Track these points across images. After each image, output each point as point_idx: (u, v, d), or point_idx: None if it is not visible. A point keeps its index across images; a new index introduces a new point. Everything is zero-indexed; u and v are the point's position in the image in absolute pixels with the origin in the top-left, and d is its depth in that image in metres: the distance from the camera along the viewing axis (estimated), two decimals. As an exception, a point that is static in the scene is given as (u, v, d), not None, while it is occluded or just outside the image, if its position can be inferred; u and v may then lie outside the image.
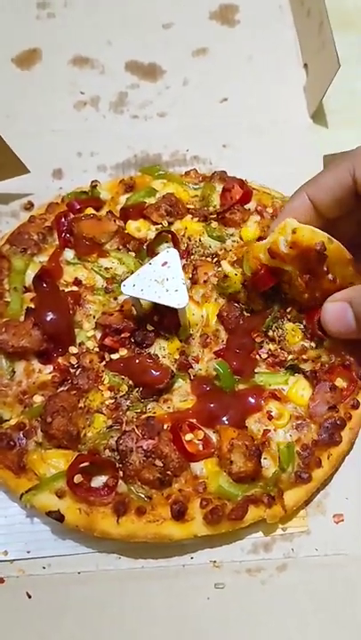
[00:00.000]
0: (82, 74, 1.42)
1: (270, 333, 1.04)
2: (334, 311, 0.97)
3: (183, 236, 1.14)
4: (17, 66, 1.44)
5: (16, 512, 0.97)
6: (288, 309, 1.04)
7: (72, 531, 0.93)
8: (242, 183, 1.18)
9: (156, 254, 1.05)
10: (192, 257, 1.11)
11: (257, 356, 1.04)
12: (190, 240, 1.13)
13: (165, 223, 1.15)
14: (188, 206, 1.18)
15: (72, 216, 1.16)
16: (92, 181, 1.22)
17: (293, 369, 1.02)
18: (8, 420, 0.99)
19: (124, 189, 1.20)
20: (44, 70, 1.43)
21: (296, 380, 1.01)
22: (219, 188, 1.19)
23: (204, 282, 1.07)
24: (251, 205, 1.17)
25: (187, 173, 1.24)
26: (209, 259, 1.11)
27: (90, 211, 1.17)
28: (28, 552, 0.95)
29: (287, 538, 0.95)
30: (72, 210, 1.17)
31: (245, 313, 1.06)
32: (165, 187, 1.20)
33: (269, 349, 1.04)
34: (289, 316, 1.05)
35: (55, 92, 1.40)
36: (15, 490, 0.94)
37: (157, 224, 1.15)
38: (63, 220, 1.15)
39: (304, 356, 1.03)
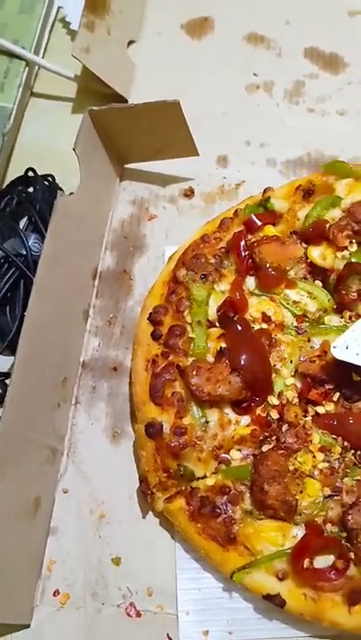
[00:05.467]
0: (256, 53, 1.27)
1: None
2: None
3: (379, 268, 0.99)
4: (187, 33, 1.29)
5: (211, 585, 0.86)
6: None
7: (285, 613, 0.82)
8: None
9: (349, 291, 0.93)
10: None
11: None
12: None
13: (354, 247, 1.00)
14: None
15: (251, 238, 1.01)
16: (266, 189, 1.04)
17: None
18: (202, 479, 0.87)
19: (301, 196, 1.04)
20: (215, 43, 1.28)
21: None
22: None
23: None
24: None
25: None
26: None
27: (270, 230, 1.02)
28: (230, 633, 0.84)
29: None
30: (251, 228, 1.01)
31: None
32: (351, 190, 1.02)
33: None
34: None
35: (226, 70, 1.25)
36: (221, 565, 0.83)
37: (344, 248, 1.00)
38: (243, 242, 1.00)
39: None
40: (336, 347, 0.86)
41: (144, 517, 0.91)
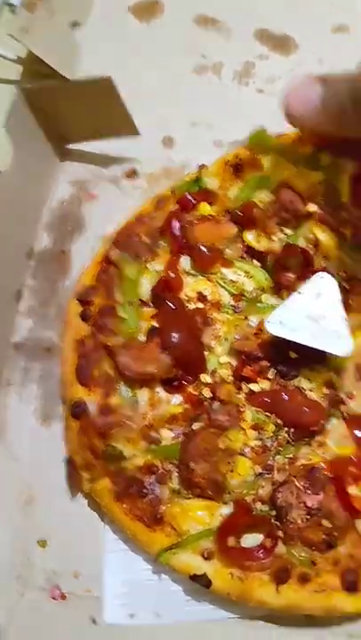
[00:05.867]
0: (206, 35, 1.24)
1: None
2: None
3: (316, 250, 0.96)
4: (134, 17, 1.26)
5: (140, 568, 0.84)
6: None
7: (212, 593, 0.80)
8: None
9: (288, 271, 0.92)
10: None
11: None
12: (328, 260, 0.94)
13: (289, 232, 0.98)
14: (309, 207, 0.95)
15: (187, 216, 0.99)
16: (200, 166, 1.01)
17: None
18: (131, 459, 0.85)
19: (231, 173, 1.00)
20: (163, 26, 1.25)
21: None
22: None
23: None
24: None
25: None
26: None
27: (205, 208, 0.99)
28: (158, 615, 0.82)
29: None
30: (185, 207, 0.99)
31: None
32: (276, 168, 0.97)
33: None
34: None
35: (175, 52, 1.22)
36: (148, 546, 0.81)
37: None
38: (175, 222, 0.97)
39: None
40: (270, 322, 0.84)
41: (72, 499, 0.89)
